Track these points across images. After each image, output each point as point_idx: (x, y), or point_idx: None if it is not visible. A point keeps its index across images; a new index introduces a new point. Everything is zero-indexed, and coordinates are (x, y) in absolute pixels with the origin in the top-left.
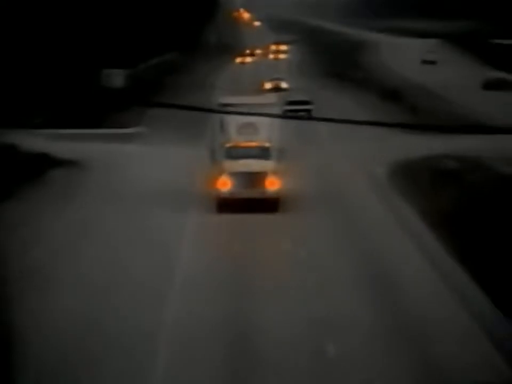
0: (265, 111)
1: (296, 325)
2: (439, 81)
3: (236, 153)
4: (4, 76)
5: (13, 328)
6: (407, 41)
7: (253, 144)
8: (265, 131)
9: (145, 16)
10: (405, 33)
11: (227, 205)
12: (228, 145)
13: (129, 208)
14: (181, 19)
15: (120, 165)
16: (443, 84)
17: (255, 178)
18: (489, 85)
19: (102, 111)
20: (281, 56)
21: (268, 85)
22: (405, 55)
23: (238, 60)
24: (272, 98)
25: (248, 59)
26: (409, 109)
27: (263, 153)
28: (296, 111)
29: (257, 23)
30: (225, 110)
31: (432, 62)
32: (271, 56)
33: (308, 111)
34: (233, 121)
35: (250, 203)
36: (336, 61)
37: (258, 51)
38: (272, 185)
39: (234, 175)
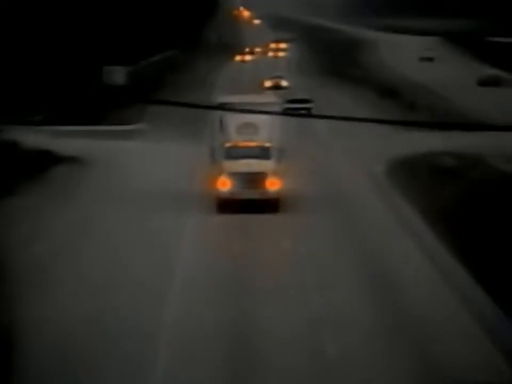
0: (265, 107)
1: (296, 324)
2: (436, 78)
3: (235, 153)
4: (6, 73)
5: (13, 326)
6: (406, 39)
7: (253, 144)
8: (266, 131)
9: (146, 14)
10: (404, 31)
11: (227, 205)
12: (227, 145)
13: (129, 205)
14: (181, 17)
15: (121, 161)
16: (440, 81)
17: (255, 178)
18: (484, 82)
19: (103, 108)
20: (281, 54)
21: (268, 83)
22: (403, 53)
23: (238, 58)
24: (272, 97)
25: (248, 57)
26: (407, 106)
27: (263, 153)
28: (296, 110)
29: (257, 22)
30: (225, 111)
31: (430, 59)
32: (271, 54)
33: (308, 109)
34: (233, 120)
35: (250, 203)
36: (335, 59)
37: (257, 49)
38: (273, 185)
39: (234, 175)
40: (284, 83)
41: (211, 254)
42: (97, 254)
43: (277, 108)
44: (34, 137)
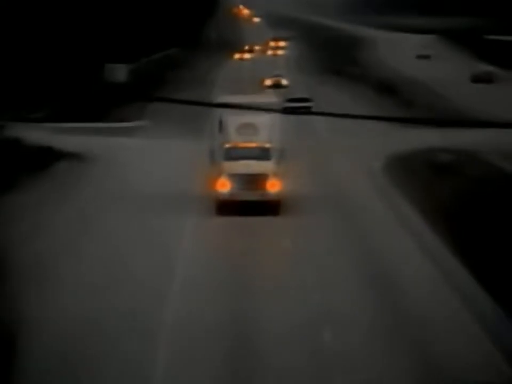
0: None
1: (296, 324)
2: (432, 75)
3: (235, 154)
4: (8, 70)
5: (13, 325)
6: (405, 37)
7: (253, 144)
8: (265, 131)
9: (147, 12)
10: (403, 29)
11: (226, 207)
12: (227, 145)
13: (128, 202)
14: (182, 15)
15: (122, 158)
16: (435, 78)
17: (255, 180)
18: (477, 78)
19: (105, 105)
20: (280, 52)
21: (268, 82)
22: (401, 51)
23: (237, 56)
24: (272, 97)
25: (247, 55)
26: (404, 103)
27: (263, 154)
28: (296, 108)
29: (256, 20)
30: (225, 108)
31: (426, 57)
32: (270, 52)
33: (308, 108)
34: (232, 121)
35: (250, 205)
36: (334, 57)
37: (257, 47)
38: (273, 187)
39: (234, 176)
40: (284, 82)
41: (211, 253)
42: (97, 251)
43: (277, 108)
44: (36, 134)
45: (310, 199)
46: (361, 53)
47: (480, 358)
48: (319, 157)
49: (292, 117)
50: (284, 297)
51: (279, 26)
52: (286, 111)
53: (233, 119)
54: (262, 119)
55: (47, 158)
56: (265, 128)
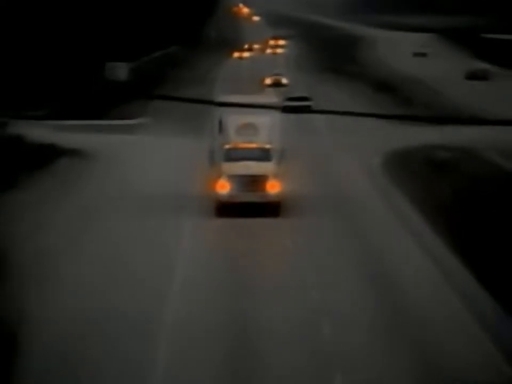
0: (265, 110)
1: (296, 324)
2: (429, 73)
3: (235, 155)
4: (11, 69)
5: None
6: (403, 36)
7: (253, 145)
8: (266, 132)
9: (147, 11)
10: (401, 28)
11: (226, 208)
12: (226, 146)
13: (128, 200)
14: (182, 14)
15: (122, 154)
16: (432, 76)
17: (255, 181)
18: (471, 76)
19: (106, 103)
20: (279, 51)
21: (268, 81)
22: (399, 49)
23: (236, 54)
24: (272, 97)
25: (246, 54)
26: (402, 100)
27: (263, 155)
28: (296, 107)
29: (256, 19)
30: (225, 106)
31: (423, 55)
32: (269, 51)
33: (308, 107)
34: (232, 121)
35: (250, 206)
36: (333, 56)
37: (256, 46)
38: (273, 188)
39: (234, 177)
40: (284, 80)
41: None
42: (97, 248)
43: (277, 108)
44: (38, 131)
45: (310, 194)
46: (360, 51)
47: (480, 358)
48: (319, 153)
49: (292, 115)
50: (284, 297)
51: (279, 25)
52: (285, 110)
53: (233, 120)
54: (262, 120)
55: (49, 155)
56: (266, 129)
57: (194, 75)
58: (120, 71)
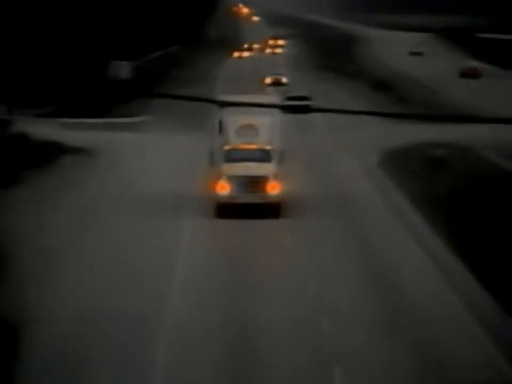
0: (265, 110)
1: (296, 324)
2: (424, 71)
3: (235, 156)
4: (17, 68)
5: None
6: (400, 35)
7: (253, 146)
8: (266, 133)
9: (149, 11)
10: (400, 28)
11: (226, 209)
12: (226, 147)
13: (129, 196)
14: (183, 14)
15: (125, 152)
16: (426, 74)
17: (255, 182)
18: (464, 74)
19: (109, 101)
20: (278, 50)
21: (269, 80)
22: (396, 48)
23: (236, 54)
24: (272, 97)
25: (246, 54)
26: (398, 98)
27: (263, 156)
28: (295, 107)
29: (255, 18)
30: (225, 106)
31: (419, 54)
32: (268, 50)
33: (307, 106)
34: (232, 122)
35: (251, 208)
36: (332, 55)
37: (256, 46)
38: (273, 189)
39: (234, 178)
40: (284, 80)
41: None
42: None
43: (277, 108)
44: (43, 129)
45: (310, 199)
46: (358, 51)
47: (480, 357)
48: (319, 157)
49: (292, 114)
50: (284, 297)
51: (278, 25)
52: (285, 109)
53: (233, 121)
54: (262, 121)
55: (53, 151)
56: (266, 130)
57: (194, 74)
58: (124, 70)
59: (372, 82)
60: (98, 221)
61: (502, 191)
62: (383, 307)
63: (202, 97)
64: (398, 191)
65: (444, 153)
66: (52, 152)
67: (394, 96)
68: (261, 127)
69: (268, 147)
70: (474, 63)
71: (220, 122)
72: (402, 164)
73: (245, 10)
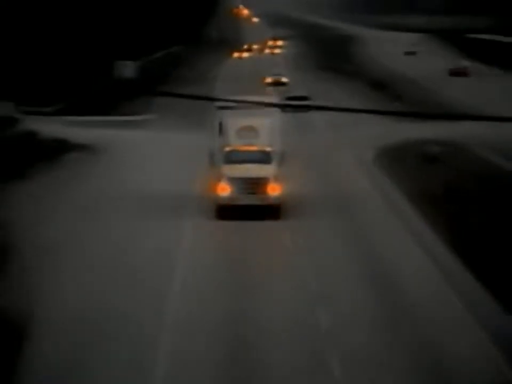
0: (265, 110)
1: (296, 324)
2: (417, 70)
3: (235, 158)
4: (24, 68)
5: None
6: (396, 35)
7: (253, 148)
8: (266, 134)
9: (152, 12)
10: (396, 28)
11: (226, 211)
12: (227, 149)
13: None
14: (184, 15)
15: (129, 148)
16: (420, 73)
17: (255, 183)
18: (454, 72)
19: (114, 99)
20: (277, 51)
21: (269, 80)
22: (391, 48)
23: (235, 54)
24: (272, 97)
25: (245, 54)
26: (394, 97)
27: (263, 157)
28: (295, 106)
29: (255, 19)
30: (225, 107)
31: (413, 53)
32: (267, 51)
33: (307, 106)
34: (232, 123)
35: (251, 209)
36: (330, 55)
37: (255, 46)
38: (273, 190)
39: (234, 180)
40: (284, 79)
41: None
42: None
43: (277, 108)
44: (49, 127)
45: (310, 198)
46: (356, 51)
47: (480, 357)
48: (319, 157)
49: (291, 113)
50: (284, 297)
51: (278, 26)
52: (285, 109)
53: (234, 122)
54: (263, 122)
55: (60, 149)
56: (266, 131)
57: (195, 74)
58: (128, 69)
59: (369, 82)
60: (98, 221)
61: (499, 189)
62: (383, 307)
63: (203, 95)
64: (396, 189)
65: (439, 150)
66: (58, 149)
67: (390, 95)
68: (261, 129)
69: (268, 148)
70: (464, 63)
71: (220, 124)
72: (402, 161)
73: (245, 11)
